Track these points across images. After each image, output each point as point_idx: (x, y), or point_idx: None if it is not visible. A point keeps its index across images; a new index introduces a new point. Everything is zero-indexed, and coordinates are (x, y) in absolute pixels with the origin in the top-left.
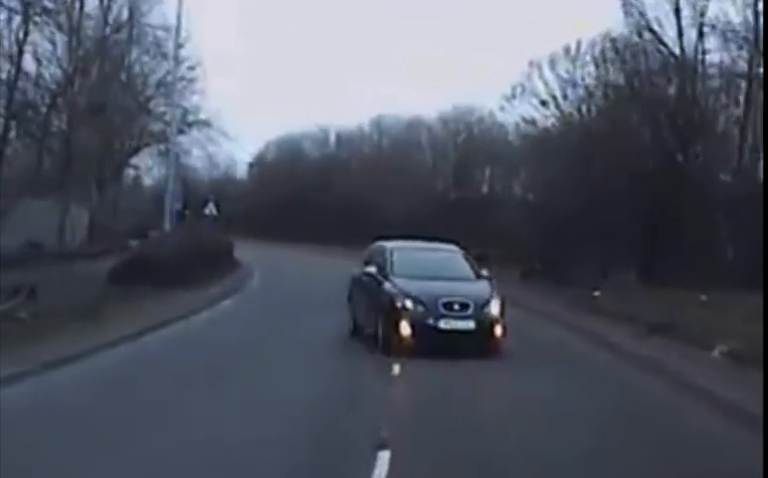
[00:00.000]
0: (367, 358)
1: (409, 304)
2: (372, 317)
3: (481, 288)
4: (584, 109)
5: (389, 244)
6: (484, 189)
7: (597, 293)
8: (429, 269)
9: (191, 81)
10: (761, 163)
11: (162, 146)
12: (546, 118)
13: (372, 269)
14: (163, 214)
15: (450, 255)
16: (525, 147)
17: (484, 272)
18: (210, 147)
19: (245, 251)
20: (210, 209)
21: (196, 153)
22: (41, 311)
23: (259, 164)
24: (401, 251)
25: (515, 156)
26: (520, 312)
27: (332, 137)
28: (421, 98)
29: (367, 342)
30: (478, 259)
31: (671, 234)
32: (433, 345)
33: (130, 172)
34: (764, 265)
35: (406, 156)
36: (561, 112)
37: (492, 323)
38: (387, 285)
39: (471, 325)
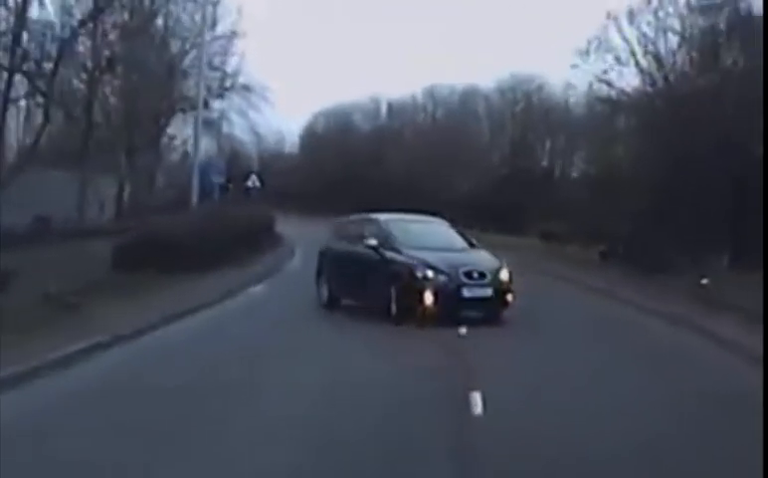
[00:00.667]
0: (400, 330)
1: (430, 274)
2: (377, 288)
3: (487, 257)
4: (672, 65)
5: (381, 216)
6: (544, 163)
7: (705, 281)
8: (428, 240)
9: (230, 38)
10: None
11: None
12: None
13: (372, 241)
14: (205, 187)
15: (440, 227)
16: (597, 114)
17: (474, 241)
18: (251, 114)
19: (290, 227)
20: (253, 182)
21: (236, 121)
22: (4, 303)
23: (307, 137)
24: (395, 223)
25: (580, 126)
26: (626, 309)
27: (384, 108)
28: (477, 66)
29: (361, 314)
30: (545, 238)
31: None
32: (455, 312)
33: (172, 143)
34: (764, 261)
35: (462, 128)
36: (642, 70)
37: (506, 290)
38: (401, 256)
39: (489, 292)
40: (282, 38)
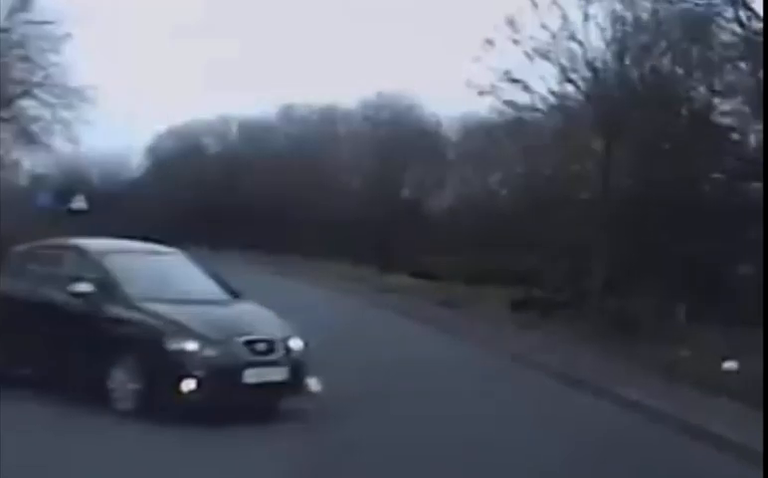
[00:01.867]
0: None
1: (193, 345)
2: (89, 365)
3: (267, 316)
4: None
5: (91, 244)
6: (406, 192)
7: (731, 365)
8: (172, 286)
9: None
10: None
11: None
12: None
13: (82, 287)
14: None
15: (185, 265)
16: (475, 134)
17: (234, 289)
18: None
19: None
20: (78, 204)
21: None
22: None
23: (153, 158)
24: (117, 258)
25: (454, 150)
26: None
27: (234, 129)
28: (339, 85)
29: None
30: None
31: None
32: (236, 406)
33: None
34: (764, 273)
35: (320, 151)
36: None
37: (303, 370)
38: (136, 314)
39: (284, 373)
40: (123, 46)
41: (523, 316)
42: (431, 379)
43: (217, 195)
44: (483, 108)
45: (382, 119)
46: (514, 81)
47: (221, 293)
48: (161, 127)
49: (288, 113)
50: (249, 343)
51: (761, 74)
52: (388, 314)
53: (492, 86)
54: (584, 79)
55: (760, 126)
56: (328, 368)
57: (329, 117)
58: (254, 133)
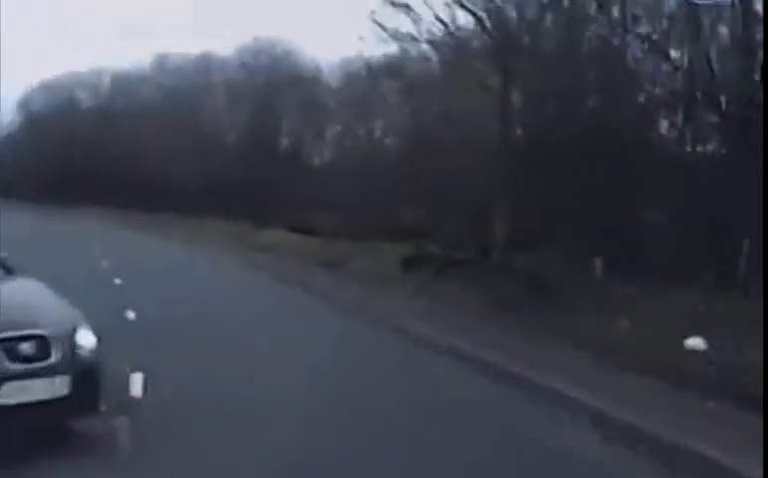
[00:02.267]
0: None
1: None
2: None
3: (45, 300)
4: None
5: None
6: (286, 142)
7: (696, 343)
8: None
9: None
10: None
11: None
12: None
13: None
14: None
15: None
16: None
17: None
18: None
19: None
20: None
21: None
22: None
23: (25, 113)
24: None
25: (335, 97)
26: None
27: (107, 81)
28: (217, 35)
29: None
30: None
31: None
32: None
33: None
34: (764, 262)
35: (194, 101)
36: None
37: (94, 378)
38: None
39: (62, 386)
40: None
41: (416, 275)
42: (292, 375)
43: (88, 151)
44: (364, 51)
45: (259, 67)
46: (395, 5)
47: None
48: (33, 81)
49: (162, 62)
50: (5, 343)
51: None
52: (259, 278)
53: (373, 14)
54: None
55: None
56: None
57: (204, 65)
58: (127, 86)
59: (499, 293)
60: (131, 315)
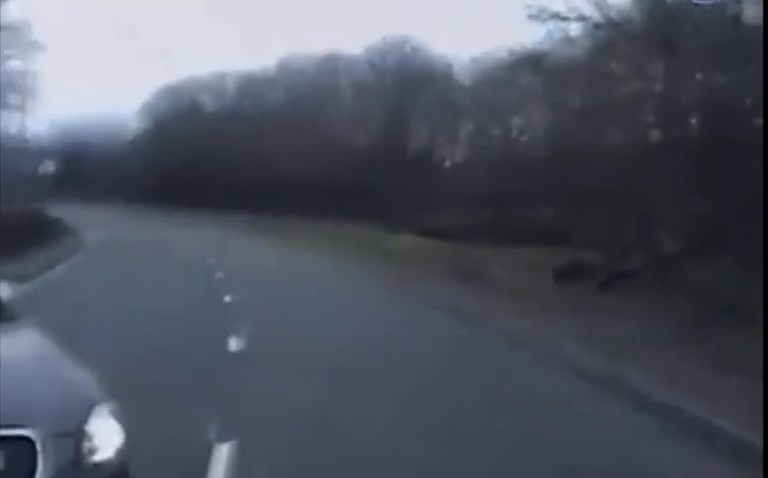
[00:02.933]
0: None
1: None
2: None
3: (43, 368)
4: None
5: None
6: (416, 143)
7: None
8: None
9: None
10: None
11: None
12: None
13: None
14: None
15: None
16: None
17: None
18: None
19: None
20: (45, 168)
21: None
22: None
23: (148, 119)
24: None
25: (467, 95)
26: None
27: (231, 85)
28: (342, 33)
29: None
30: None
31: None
32: None
33: None
34: (764, 263)
35: (322, 104)
36: None
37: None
38: None
39: None
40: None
41: (572, 289)
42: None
43: (212, 156)
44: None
45: (388, 66)
46: None
47: None
48: (157, 86)
49: (287, 64)
50: None
51: None
52: (393, 295)
53: None
54: None
55: None
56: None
57: (330, 67)
58: (252, 89)
59: (679, 314)
60: (234, 344)
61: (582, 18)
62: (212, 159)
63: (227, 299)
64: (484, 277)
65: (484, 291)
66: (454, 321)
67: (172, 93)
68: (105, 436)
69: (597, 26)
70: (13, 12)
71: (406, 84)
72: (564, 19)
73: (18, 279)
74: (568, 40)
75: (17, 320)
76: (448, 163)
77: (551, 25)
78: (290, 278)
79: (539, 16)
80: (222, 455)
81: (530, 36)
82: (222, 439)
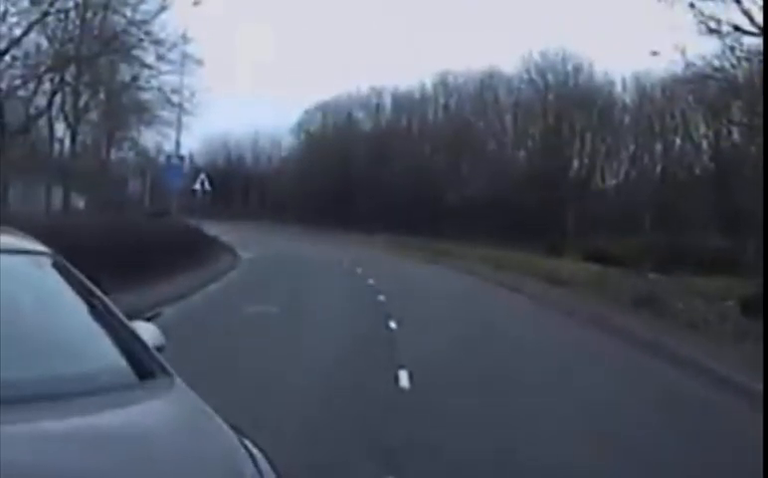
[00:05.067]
0: None
1: None
2: None
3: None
4: None
5: None
6: (577, 162)
7: None
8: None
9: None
10: None
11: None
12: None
13: None
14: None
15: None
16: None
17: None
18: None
19: (246, 250)
20: (200, 183)
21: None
22: None
23: (301, 136)
24: None
25: (629, 114)
26: None
27: (387, 101)
28: (497, 48)
29: None
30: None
31: None
32: None
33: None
34: (764, 260)
35: (479, 120)
36: None
37: None
38: None
39: None
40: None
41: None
42: None
43: (366, 174)
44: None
45: (547, 83)
46: None
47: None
48: (310, 103)
49: (444, 80)
50: None
51: None
52: (577, 334)
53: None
54: None
55: None
56: None
57: (488, 83)
58: (408, 106)
59: None
60: (405, 380)
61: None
62: (366, 178)
63: (391, 325)
64: (664, 307)
65: (668, 324)
66: (667, 366)
67: (327, 109)
68: None
69: None
70: (169, 25)
71: (566, 101)
72: (746, 33)
73: (175, 298)
74: (742, 53)
75: (158, 376)
76: (610, 183)
77: (729, 39)
78: (447, 297)
79: (716, 30)
80: None
81: (696, 50)
82: None
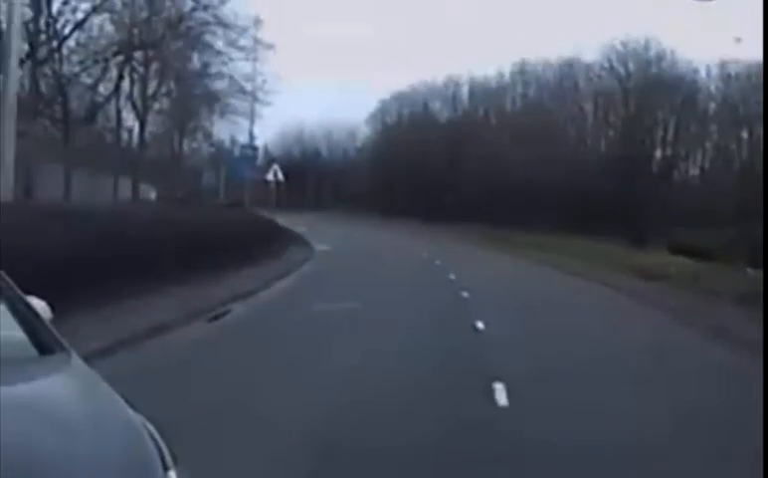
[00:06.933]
0: None
1: None
2: None
3: (99, 413)
4: None
5: None
6: (660, 151)
7: None
8: None
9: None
10: None
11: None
12: None
13: None
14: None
15: None
16: None
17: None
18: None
19: (321, 242)
20: (274, 174)
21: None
22: None
23: (376, 126)
24: None
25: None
26: None
27: (464, 91)
28: (576, 36)
29: None
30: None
31: None
32: None
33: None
34: (764, 252)
35: (559, 110)
36: None
37: None
38: None
39: None
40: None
41: None
42: None
43: (442, 164)
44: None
45: (629, 72)
46: None
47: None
48: (386, 92)
49: (522, 70)
50: None
51: None
52: (656, 336)
53: None
54: None
55: None
56: None
57: (567, 72)
58: (486, 96)
59: None
60: (501, 396)
61: None
62: (442, 168)
63: (478, 325)
64: None
65: None
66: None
67: (403, 99)
68: None
69: None
70: (241, 10)
71: (649, 89)
72: None
73: (245, 293)
74: None
75: (55, 351)
76: (693, 173)
77: None
78: (535, 293)
79: None
80: None
81: None
82: None
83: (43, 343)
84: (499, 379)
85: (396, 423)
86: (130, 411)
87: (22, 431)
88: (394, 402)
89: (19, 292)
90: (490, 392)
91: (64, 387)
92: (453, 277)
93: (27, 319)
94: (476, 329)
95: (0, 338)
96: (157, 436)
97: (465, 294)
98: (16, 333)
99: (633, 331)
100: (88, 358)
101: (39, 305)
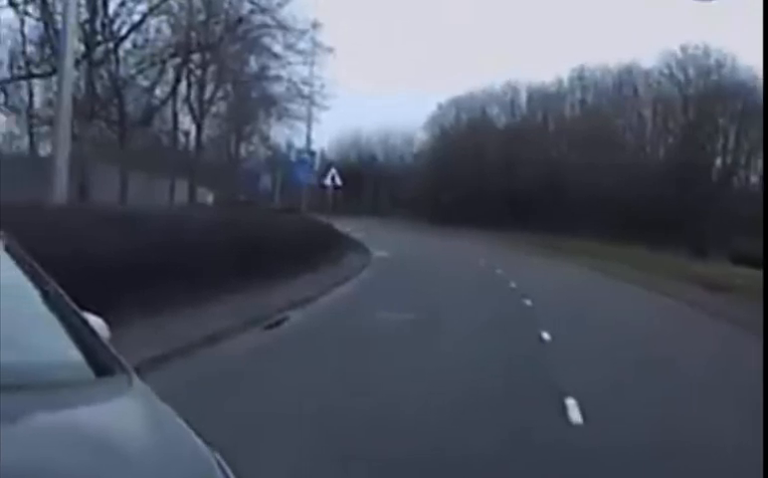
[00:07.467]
0: None
1: None
2: None
3: (163, 441)
4: None
5: None
6: (720, 160)
7: None
8: None
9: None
10: None
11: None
12: None
13: None
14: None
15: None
16: None
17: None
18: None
19: (378, 248)
20: (332, 179)
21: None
22: None
23: (433, 131)
24: None
25: None
26: None
27: (523, 96)
28: (635, 42)
29: None
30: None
31: None
32: None
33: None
34: (764, 255)
35: (618, 117)
36: None
37: None
38: None
39: None
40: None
41: None
42: None
43: (499, 171)
44: None
45: (688, 78)
46: None
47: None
48: (443, 98)
49: (580, 76)
50: None
51: None
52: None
53: None
54: None
55: None
56: None
57: (626, 78)
58: (544, 102)
59: None
60: (574, 413)
61: None
62: (500, 175)
63: (545, 336)
64: None
65: None
66: None
67: (461, 104)
68: None
69: None
70: (299, 13)
71: (709, 96)
72: None
73: (307, 299)
74: None
75: (114, 372)
76: (753, 180)
77: None
78: (597, 306)
79: None
80: None
81: None
82: None
83: (100, 363)
84: (571, 395)
85: (468, 438)
86: (198, 440)
87: (79, 462)
88: (465, 420)
89: (74, 306)
90: (563, 409)
91: (124, 413)
92: (513, 285)
93: (82, 336)
94: (541, 339)
95: (53, 358)
96: (228, 469)
97: (527, 301)
98: (71, 351)
99: (708, 344)
100: (140, 367)
101: (96, 322)
